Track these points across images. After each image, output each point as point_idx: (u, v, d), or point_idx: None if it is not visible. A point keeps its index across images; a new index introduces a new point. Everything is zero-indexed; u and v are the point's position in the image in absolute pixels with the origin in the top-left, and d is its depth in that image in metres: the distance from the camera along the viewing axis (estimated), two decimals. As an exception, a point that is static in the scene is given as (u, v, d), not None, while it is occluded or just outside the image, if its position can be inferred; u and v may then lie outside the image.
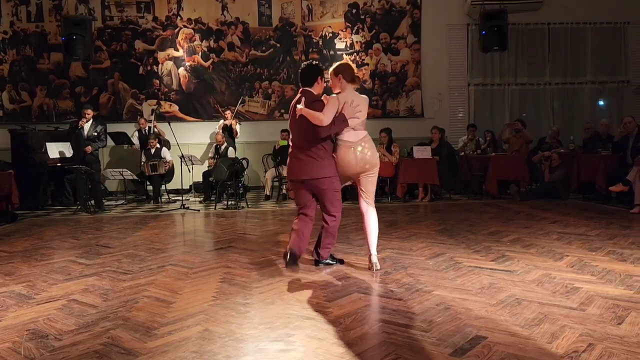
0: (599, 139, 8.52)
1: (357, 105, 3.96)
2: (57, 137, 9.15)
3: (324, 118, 3.79)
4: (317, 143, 3.95)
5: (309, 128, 3.89)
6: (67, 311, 3.26)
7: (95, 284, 3.87)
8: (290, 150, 4.16)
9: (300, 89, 4.16)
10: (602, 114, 10.54)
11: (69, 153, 8.70)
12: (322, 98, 4.03)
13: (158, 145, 9.30)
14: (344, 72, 4.03)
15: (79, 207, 8.08)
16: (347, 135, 3.98)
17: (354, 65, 4.24)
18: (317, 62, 4.28)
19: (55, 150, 8.76)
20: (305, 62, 4.21)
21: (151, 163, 8.94)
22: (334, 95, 4.02)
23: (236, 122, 9.76)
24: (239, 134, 9.81)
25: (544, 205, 7.59)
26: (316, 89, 4.12)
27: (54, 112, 10.37)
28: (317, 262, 4.27)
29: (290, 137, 4.20)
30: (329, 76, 4.15)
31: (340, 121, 3.91)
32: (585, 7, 10.64)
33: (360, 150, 3.95)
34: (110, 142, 9.52)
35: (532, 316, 2.96)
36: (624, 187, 6.96)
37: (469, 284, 3.62)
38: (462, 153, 9.39)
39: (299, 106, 3.92)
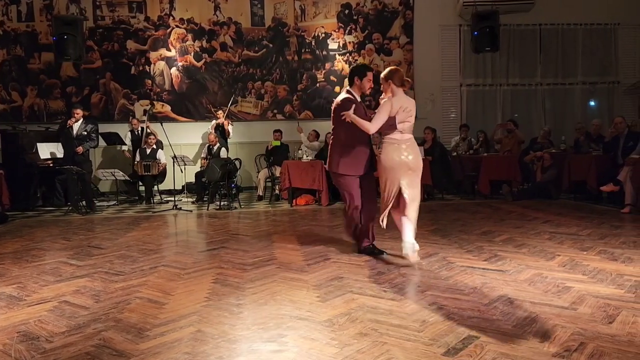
0: (589, 138, 8.58)
1: (409, 110, 4.18)
2: (48, 138, 9.09)
3: (371, 127, 4.13)
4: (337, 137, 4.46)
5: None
6: (58, 313, 3.24)
7: (86, 285, 3.85)
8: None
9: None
10: (593, 115, 10.62)
11: (59, 153, 8.64)
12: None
13: (154, 146, 9.26)
14: (393, 77, 4.23)
15: (70, 208, 8.03)
16: (393, 135, 4.22)
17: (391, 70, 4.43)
18: (363, 63, 4.53)
19: (46, 150, 8.69)
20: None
21: (145, 162, 8.90)
22: (387, 99, 4.22)
23: (228, 123, 9.74)
24: (231, 134, 9.79)
25: (535, 205, 7.63)
26: (355, 90, 4.46)
27: (44, 112, 10.30)
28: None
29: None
30: (380, 81, 4.34)
31: (387, 125, 4.19)
32: (576, 9, 10.73)
33: (404, 153, 4.18)
34: (102, 142, 9.46)
35: (524, 315, 2.97)
36: (614, 187, 7.02)
37: (461, 284, 3.64)
38: (455, 153, 9.43)
39: (349, 112, 4.19)
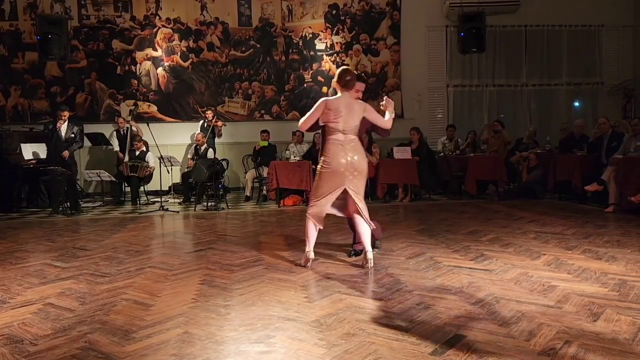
0: (572, 139, 8.66)
1: (340, 111, 4.06)
2: (32, 138, 8.97)
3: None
4: None
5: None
6: (42, 315, 3.20)
7: (71, 288, 3.80)
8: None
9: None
10: (578, 115, 10.75)
11: (44, 154, 8.53)
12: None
13: (144, 149, 9.18)
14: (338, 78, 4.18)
15: (59, 208, 7.90)
16: (336, 135, 4.14)
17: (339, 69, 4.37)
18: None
19: (30, 151, 8.58)
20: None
21: (131, 163, 8.83)
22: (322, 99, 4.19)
23: (222, 123, 9.68)
24: (222, 134, 9.72)
25: (521, 204, 7.70)
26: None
27: (28, 112, 10.17)
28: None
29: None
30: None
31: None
32: (561, 10, 10.84)
33: (350, 154, 4.14)
34: (87, 143, 9.37)
35: (510, 314, 3.00)
36: (598, 187, 7.09)
37: (448, 284, 3.66)
38: (442, 154, 9.47)
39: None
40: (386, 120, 4.19)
